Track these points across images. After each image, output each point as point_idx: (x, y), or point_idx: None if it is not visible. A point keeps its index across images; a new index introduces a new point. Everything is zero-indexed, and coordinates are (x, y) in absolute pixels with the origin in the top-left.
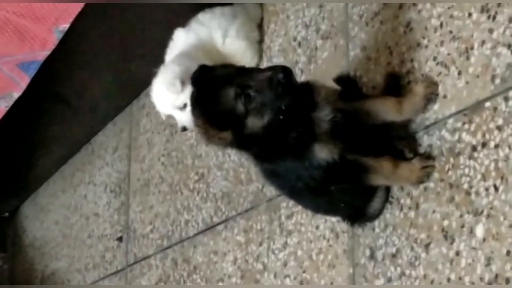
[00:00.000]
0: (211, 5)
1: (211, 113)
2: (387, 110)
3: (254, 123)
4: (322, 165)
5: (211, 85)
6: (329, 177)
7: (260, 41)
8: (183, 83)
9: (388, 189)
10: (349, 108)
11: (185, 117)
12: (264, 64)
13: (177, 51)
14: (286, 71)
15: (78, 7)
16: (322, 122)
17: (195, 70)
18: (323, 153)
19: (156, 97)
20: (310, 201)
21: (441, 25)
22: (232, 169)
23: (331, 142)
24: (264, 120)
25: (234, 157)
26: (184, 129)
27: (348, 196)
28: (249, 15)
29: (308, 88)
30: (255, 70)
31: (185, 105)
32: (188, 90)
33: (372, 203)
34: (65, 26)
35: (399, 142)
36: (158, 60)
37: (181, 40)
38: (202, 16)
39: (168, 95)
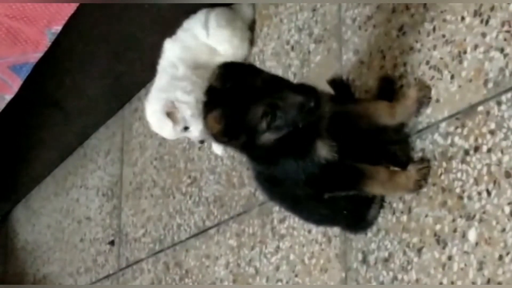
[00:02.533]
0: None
1: (229, 125)
2: (379, 114)
3: (270, 137)
4: (321, 163)
5: (233, 100)
6: (326, 180)
7: (251, 41)
8: (169, 114)
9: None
10: (342, 111)
11: (193, 135)
12: (257, 64)
13: (164, 62)
14: (317, 98)
15: (70, 9)
16: (323, 119)
17: (208, 92)
18: (324, 150)
19: (156, 130)
20: (313, 212)
21: (434, 29)
22: (224, 172)
23: (330, 142)
24: (279, 134)
25: (226, 161)
26: (202, 142)
27: (351, 204)
28: (230, 10)
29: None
30: (285, 86)
31: (186, 128)
32: (180, 114)
33: (371, 210)
34: (58, 28)
35: (392, 146)
36: (151, 64)
37: (168, 51)
38: (186, 23)
39: (163, 129)
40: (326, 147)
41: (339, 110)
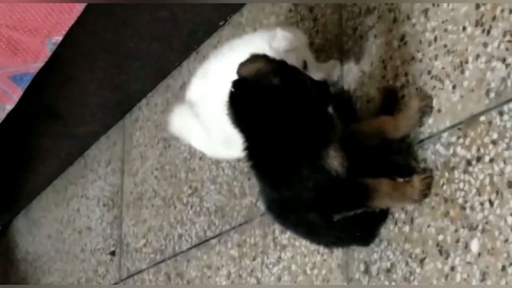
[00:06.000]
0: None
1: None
2: (384, 129)
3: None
4: (331, 175)
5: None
6: (333, 199)
7: None
8: None
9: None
10: (346, 132)
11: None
12: None
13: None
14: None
15: (71, 20)
16: (336, 128)
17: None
18: (336, 161)
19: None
20: (327, 237)
21: (435, 39)
22: (225, 183)
23: (343, 154)
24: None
25: (228, 170)
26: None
27: (361, 224)
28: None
29: None
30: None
31: None
32: None
33: (379, 227)
34: (58, 38)
35: (394, 157)
36: (151, 74)
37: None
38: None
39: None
40: (338, 159)
41: (344, 132)
